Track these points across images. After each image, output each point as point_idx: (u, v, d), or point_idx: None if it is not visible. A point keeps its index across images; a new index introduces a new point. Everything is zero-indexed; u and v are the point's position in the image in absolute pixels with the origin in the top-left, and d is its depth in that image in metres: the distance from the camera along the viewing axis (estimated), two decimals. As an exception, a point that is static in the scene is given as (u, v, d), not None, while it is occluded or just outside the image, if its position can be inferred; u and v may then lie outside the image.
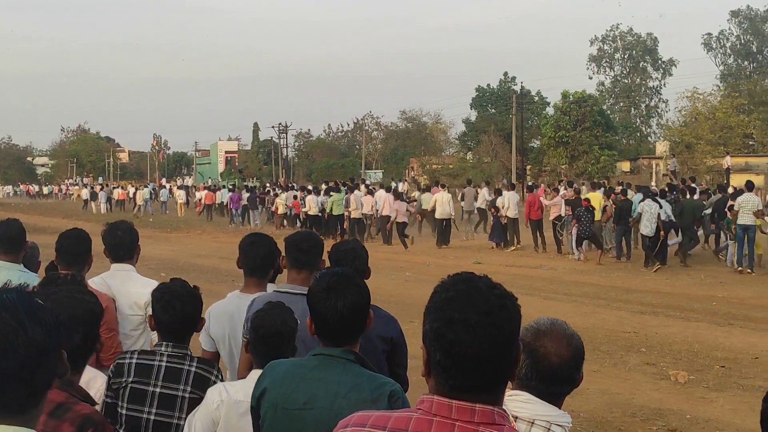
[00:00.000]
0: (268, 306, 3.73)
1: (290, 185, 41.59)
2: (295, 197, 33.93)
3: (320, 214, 30.25)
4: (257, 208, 37.82)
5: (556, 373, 2.63)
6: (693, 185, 26.50)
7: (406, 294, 15.12)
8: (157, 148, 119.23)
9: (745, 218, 19.48)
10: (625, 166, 57.19)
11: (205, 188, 49.36)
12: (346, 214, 28.89)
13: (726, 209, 20.51)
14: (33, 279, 4.99)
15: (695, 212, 21.24)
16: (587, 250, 22.69)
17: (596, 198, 23.30)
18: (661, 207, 20.52)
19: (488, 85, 76.19)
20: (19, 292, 1.81)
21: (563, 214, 23.78)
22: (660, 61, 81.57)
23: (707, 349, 11.51)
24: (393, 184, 38.67)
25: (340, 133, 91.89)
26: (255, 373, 3.50)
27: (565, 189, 27.55)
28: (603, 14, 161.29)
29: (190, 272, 19.63)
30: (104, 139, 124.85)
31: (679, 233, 21.68)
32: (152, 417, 3.63)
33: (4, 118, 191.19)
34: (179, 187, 57.60)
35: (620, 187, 25.91)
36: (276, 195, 37.37)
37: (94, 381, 3.64)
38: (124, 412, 3.64)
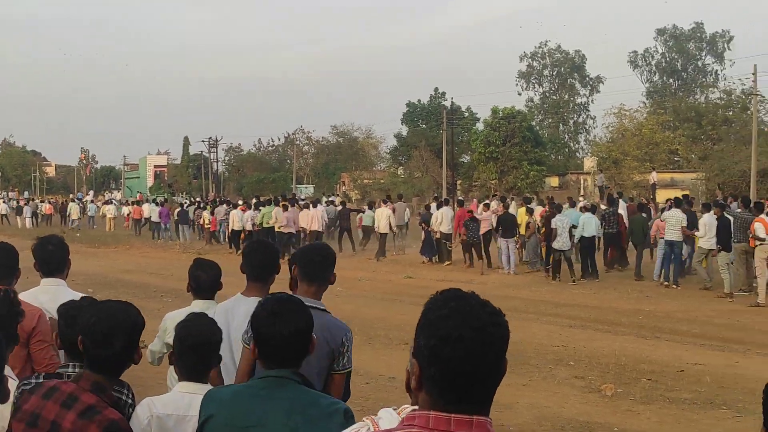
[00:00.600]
0: (192, 316, 3.74)
1: (221, 200, 41.20)
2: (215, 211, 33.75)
3: (250, 229, 29.93)
4: (187, 223, 37.43)
5: None
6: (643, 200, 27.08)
7: (337, 309, 15.02)
8: (84, 162, 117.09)
9: (671, 234, 19.91)
10: (554, 181, 58.14)
11: (134, 203, 48.63)
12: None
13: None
14: None
15: (644, 228, 21.73)
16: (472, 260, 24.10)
17: (522, 213, 23.84)
18: (607, 219, 21.75)
19: (419, 100, 76.73)
20: None
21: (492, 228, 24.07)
22: (588, 78, 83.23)
23: (634, 362, 11.67)
24: (324, 199, 38.59)
25: (270, 148, 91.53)
26: (184, 386, 3.55)
27: (497, 204, 27.81)
28: (532, 31, 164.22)
29: (119, 288, 19.28)
30: (30, 153, 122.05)
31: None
32: None
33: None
34: (106, 202, 56.56)
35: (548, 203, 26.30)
36: (203, 210, 37.05)
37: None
38: None
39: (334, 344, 4.14)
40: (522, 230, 23.33)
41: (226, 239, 32.31)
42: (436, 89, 77.28)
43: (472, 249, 24.05)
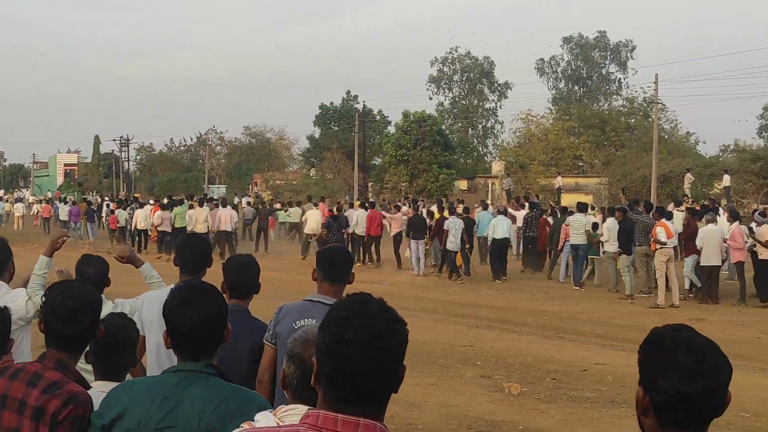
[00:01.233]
0: (109, 316, 3.71)
1: (131, 199, 40.52)
2: (133, 210, 33.02)
3: (165, 229, 29.66)
4: (94, 221, 36.98)
5: None
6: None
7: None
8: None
9: (576, 238, 20.49)
10: (463, 184, 58.80)
11: (45, 201, 47.38)
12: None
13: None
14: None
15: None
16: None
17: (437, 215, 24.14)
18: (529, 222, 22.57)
19: (331, 103, 76.67)
20: None
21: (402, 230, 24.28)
22: (496, 84, 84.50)
23: (539, 361, 11.91)
24: (236, 199, 38.41)
25: (183, 147, 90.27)
26: (100, 385, 3.47)
27: (409, 207, 28.05)
28: (443, 36, 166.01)
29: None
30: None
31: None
32: None
33: None
34: (17, 200, 54.85)
35: (461, 206, 26.68)
36: (111, 209, 36.41)
37: None
38: None
39: None
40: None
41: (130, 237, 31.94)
42: (348, 92, 77.49)
43: (362, 249, 24.97)
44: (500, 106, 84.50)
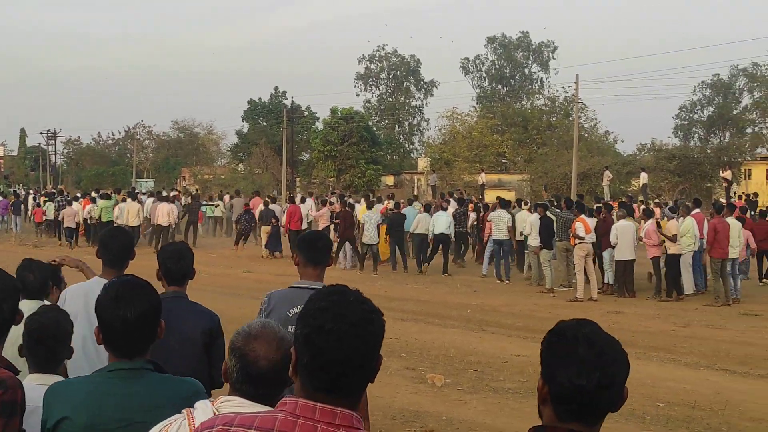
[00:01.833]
0: (43, 309, 3.69)
1: (54, 192, 39.72)
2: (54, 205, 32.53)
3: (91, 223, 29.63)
4: (20, 213, 36.35)
5: (266, 376, 2.62)
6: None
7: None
8: None
9: (498, 233, 20.94)
10: (390, 180, 59.16)
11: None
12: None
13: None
14: None
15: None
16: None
17: (363, 210, 24.37)
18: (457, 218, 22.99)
19: (260, 98, 76.19)
20: None
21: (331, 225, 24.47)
22: (422, 82, 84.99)
23: (462, 353, 12.16)
24: (164, 193, 38.19)
25: (110, 141, 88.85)
26: (35, 378, 3.47)
27: (336, 201, 28.23)
28: (370, 34, 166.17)
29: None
30: None
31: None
32: None
33: None
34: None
35: (392, 201, 27.02)
36: (37, 202, 35.90)
37: None
38: None
39: None
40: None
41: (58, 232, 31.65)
42: (276, 88, 77.09)
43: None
44: (426, 104, 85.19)
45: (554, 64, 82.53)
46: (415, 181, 54.92)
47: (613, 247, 18.22)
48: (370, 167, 55.78)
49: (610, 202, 24.93)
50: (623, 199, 27.60)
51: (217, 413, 2.49)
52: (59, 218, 30.90)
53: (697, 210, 19.57)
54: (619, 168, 43.41)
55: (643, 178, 38.77)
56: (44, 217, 33.02)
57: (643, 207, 22.77)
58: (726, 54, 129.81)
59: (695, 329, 14.55)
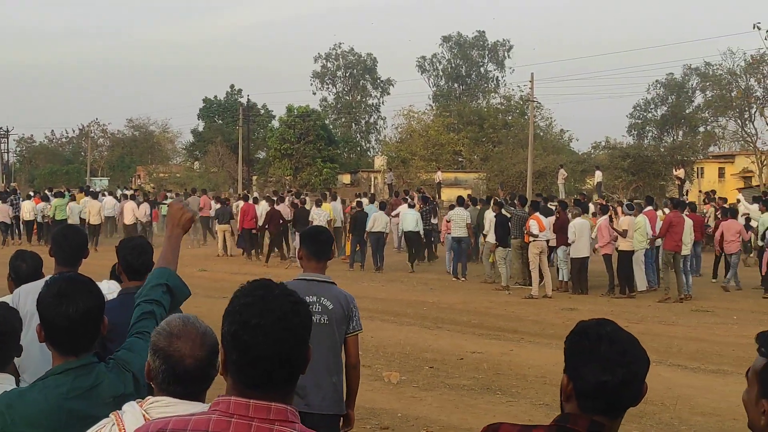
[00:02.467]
0: None
1: (8, 191, 39.12)
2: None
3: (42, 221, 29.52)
4: None
5: (193, 374, 2.57)
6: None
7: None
8: None
9: (457, 231, 21.05)
10: (346, 178, 59.07)
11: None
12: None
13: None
14: None
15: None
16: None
17: (327, 208, 24.41)
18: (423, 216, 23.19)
19: (215, 96, 75.66)
20: None
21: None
22: (379, 81, 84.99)
23: (418, 351, 12.21)
24: (119, 191, 38.00)
25: (64, 139, 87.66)
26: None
27: (295, 199, 28.22)
28: (326, 32, 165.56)
29: None
30: None
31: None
32: None
33: None
34: None
35: (357, 199, 26.98)
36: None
37: None
38: None
39: (347, 310, 5.25)
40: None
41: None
42: (232, 86, 76.63)
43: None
44: (383, 102, 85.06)
45: (510, 63, 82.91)
46: (372, 179, 54.90)
47: (569, 245, 18.40)
48: (326, 165, 55.67)
49: (565, 200, 25.16)
50: (577, 197, 27.86)
51: (146, 415, 2.47)
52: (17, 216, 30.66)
53: (649, 207, 19.81)
54: (573, 166, 43.89)
55: (598, 176, 39.18)
56: None
57: (599, 204, 23.00)
58: (679, 54, 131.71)
59: (648, 325, 14.73)
